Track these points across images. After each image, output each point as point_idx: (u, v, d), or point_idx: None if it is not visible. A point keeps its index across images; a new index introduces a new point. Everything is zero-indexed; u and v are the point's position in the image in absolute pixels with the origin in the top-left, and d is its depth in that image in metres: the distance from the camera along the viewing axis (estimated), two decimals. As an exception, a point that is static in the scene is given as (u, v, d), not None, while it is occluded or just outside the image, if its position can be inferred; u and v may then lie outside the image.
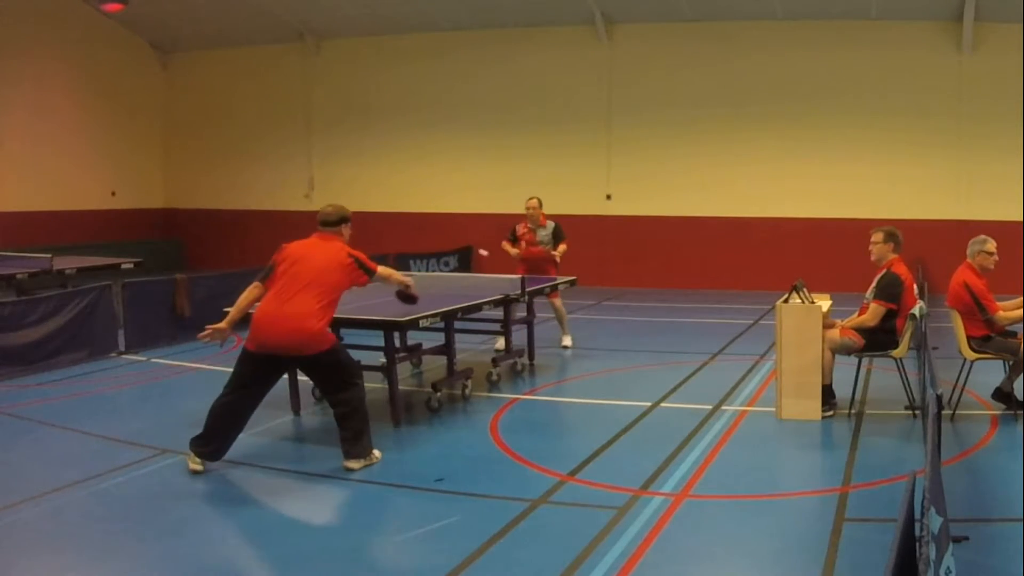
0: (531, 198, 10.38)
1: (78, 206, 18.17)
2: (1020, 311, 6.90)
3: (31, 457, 6.31)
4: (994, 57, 14.51)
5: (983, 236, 7.13)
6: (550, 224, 10.30)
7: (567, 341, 10.32)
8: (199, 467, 5.77)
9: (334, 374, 5.87)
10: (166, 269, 15.70)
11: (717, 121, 16.14)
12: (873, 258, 7.22)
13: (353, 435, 5.87)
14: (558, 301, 10.09)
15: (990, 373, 7.26)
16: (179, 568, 4.41)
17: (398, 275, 6.51)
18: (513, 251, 10.34)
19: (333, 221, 6.11)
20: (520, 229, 10.38)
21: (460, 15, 17.07)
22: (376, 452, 6.01)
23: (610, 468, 5.91)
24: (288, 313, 5.64)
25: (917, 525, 2.94)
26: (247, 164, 19.60)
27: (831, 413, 7.06)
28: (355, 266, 5.93)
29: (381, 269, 6.22)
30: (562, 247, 10.21)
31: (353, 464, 5.83)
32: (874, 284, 7.11)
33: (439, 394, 7.48)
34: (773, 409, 7.16)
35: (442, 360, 8.05)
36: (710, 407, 7.46)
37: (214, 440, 5.78)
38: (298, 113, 19.21)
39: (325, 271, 5.80)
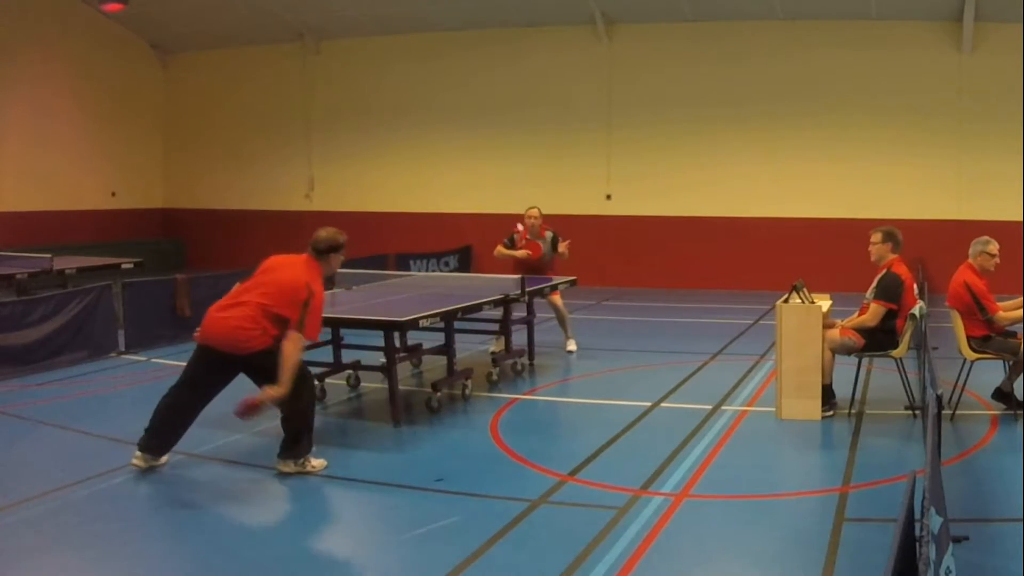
0: (532, 207, 9.92)
1: (78, 206, 18.16)
2: (1020, 311, 6.91)
3: (31, 457, 6.31)
4: (994, 57, 14.50)
5: (986, 237, 7.13)
6: (549, 234, 9.96)
7: (571, 346, 10.05)
8: (141, 463, 5.78)
9: (263, 374, 5.56)
10: (166, 269, 15.69)
11: (717, 121, 16.14)
12: (872, 258, 7.22)
13: (291, 438, 5.77)
14: (559, 299, 9.77)
15: (990, 373, 7.27)
16: (179, 568, 4.42)
17: (288, 371, 5.45)
18: (520, 253, 9.85)
19: (321, 249, 5.85)
20: (518, 239, 9.97)
21: (460, 15, 17.06)
22: (316, 462, 5.83)
23: (610, 468, 5.91)
24: (227, 315, 5.64)
25: (917, 525, 2.94)
26: (247, 164, 19.60)
27: (831, 413, 7.06)
28: (299, 307, 5.54)
29: (299, 343, 5.51)
30: (563, 247, 9.88)
31: (283, 466, 5.75)
32: (874, 284, 7.11)
33: (439, 394, 7.48)
34: (773, 409, 7.16)
35: (442, 360, 8.05)
36: (710, 407, 7.46)
37: (159, 436, 5.80)
38: (298, 113, 19.20)
39: (278, 295, 5.59)
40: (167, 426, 5.81)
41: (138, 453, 5.81)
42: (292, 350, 5.48)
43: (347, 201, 18.82)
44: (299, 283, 5.62)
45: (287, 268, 5.76)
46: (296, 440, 5.77)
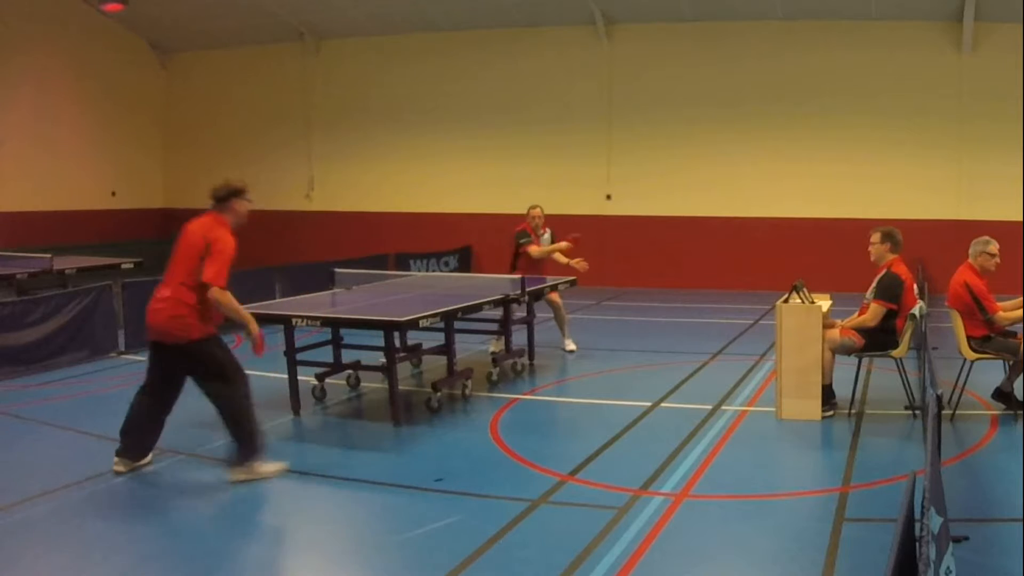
0: (535, 207, 10.14)
1: (78, 206, 18.15)
2: (1020, 311, 6.90)
3: (31, 457, 6.31)
4: (994, 57, 14.50)
5: (986, 237, 7.13)
6: (548, 231, 10.20)
7: (570, 345, 10.11)
8: (121, 468, 5.75)
9: (203, 366, 5.62)
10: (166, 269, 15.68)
11: (717, 121, 16.13)
12: (872, 258, 7.23)
13: (237, 442, 5.67)
14: (558, 298, 9.82)
15: (990, 373, 7.27)
16: (177, 568, 4.42)
17: (235, 314, 5.62)
18: (563, 245, 10.05)
19: (221, 197, 5.73)
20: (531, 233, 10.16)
21: (460, 15, 17.06)
22: (266, 467, 5.68)
23: (610, 468, 5.91)
24: (160, 306, 5.60)
25: (917, 525, 2.94)
26: (247, 164, 19.52)
27: (831, 413, 7.06)
28: (201, 253, 5.51)
29: (217, 292, 5.46)
30: (574, 261, 10.08)
31: (231, 475, 5.63)
32: (874, 284, 7.11)
33: (439, 394, 7.48)
34: (773, 409, 7.16)
35: (442, 360, 8.05)
36: (710, 407, 7.46)
37: (131, 439, 5.78)
38: (298, 113, 19.20)
39: (186, 254, 5.58)
40: (139, 430, 5.79)
41: (116, 459, 5.77)
42: (222, 301, 5.48)
43: (347, 201, 18.82)
44: (196, 238, 5.57)
45: (190, 232, 5.69)
46: (241, 444, 5.64)
